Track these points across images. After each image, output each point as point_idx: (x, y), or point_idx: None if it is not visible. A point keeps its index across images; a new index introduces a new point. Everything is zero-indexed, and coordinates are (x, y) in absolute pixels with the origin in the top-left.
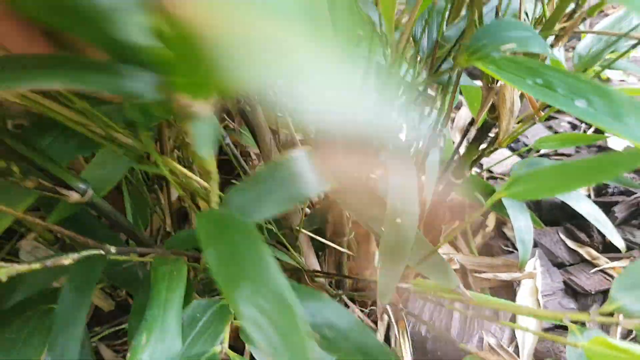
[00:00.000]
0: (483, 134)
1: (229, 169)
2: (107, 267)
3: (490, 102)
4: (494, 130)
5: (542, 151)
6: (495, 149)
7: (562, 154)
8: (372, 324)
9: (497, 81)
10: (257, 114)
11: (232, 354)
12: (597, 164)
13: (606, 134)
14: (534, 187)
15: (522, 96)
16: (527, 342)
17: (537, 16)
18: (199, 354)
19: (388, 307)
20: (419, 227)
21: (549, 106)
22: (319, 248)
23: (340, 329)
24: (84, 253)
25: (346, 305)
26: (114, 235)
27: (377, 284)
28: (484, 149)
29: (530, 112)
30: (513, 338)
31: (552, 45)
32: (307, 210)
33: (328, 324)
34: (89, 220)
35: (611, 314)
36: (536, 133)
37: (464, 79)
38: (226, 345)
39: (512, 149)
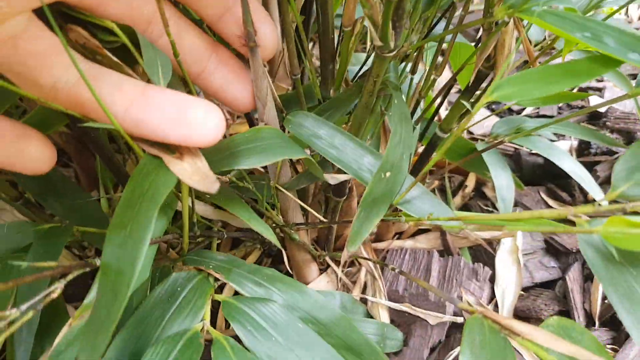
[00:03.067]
0: (476, 85)
1: None
2: None
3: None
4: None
5: (524, 112)
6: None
7: (544, 115)
8: (350, 284)
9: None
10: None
11: (214, 332)
12: (576, 66)
13: (590, 92)
14: (519, 89)
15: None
16: (507, 301)
17: None
18: (180, 333)
19: (365, 267)
20: None
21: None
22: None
23: (323, 323)
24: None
25: (328, 266)
26: (78, 189)
27: (350, 230)
28: (472, 102)
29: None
30: (492, 296)
31: None
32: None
33: (310, 317)
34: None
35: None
36: None
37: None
38: (207, 322)
39: (492, 110)
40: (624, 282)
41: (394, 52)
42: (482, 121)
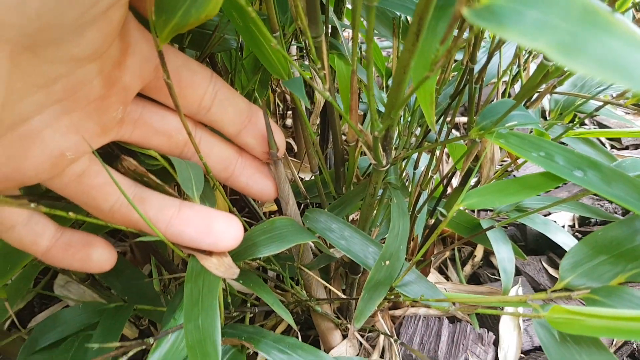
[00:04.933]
0: (467, 178)
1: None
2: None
3: (475, 154)
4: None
5: None
6: None
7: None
8: (370, 348)
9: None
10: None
11: None
12: (530, 180)
13: None
14: (482, 199)
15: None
16: None
17: (514, 75)
18: None
19: (382, 333)
20: (407, 259)
21: None
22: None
23: None
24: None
25: (347, 330)
26: (134, 269)
27: (355, 311)
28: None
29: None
30: (496, 358)
31: (527, 107)
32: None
33: None
34: None
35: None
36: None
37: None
38: None
39: None
40: (569, 358)
41: (387, 167)
42: None
